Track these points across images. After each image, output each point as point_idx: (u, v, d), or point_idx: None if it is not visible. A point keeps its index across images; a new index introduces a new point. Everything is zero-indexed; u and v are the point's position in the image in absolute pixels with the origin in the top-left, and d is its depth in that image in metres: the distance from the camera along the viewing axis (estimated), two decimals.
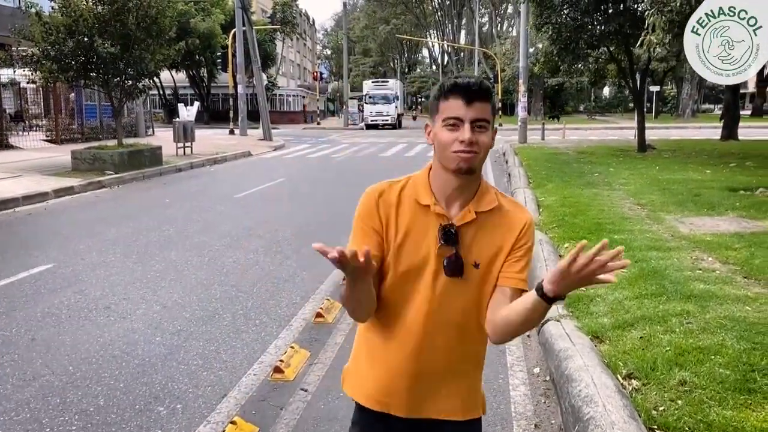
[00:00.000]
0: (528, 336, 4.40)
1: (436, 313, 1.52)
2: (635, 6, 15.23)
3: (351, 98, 49.14)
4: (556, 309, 4.03)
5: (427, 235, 1.50)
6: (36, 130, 21.92)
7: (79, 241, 7.51)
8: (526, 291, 1.49)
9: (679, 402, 2.72)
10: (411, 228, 1.51)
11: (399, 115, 43.66)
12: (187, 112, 19.39)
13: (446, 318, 1.53)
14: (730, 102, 22.86)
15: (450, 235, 1.48)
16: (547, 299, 1.33)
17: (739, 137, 22.04)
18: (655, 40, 11.38)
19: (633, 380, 2.95)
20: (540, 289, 1.33)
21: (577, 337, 3.45)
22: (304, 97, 61.32)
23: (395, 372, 1.57)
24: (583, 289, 4.55)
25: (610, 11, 15.55)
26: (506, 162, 16.34)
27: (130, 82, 14.97)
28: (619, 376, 2.99)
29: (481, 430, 1.70)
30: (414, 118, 54.95)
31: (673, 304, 3.94)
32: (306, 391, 3.61)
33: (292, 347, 4.14)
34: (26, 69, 14.56)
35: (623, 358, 3.19)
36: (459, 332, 1.55)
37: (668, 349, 3.25)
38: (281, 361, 3.89)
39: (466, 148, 1.43)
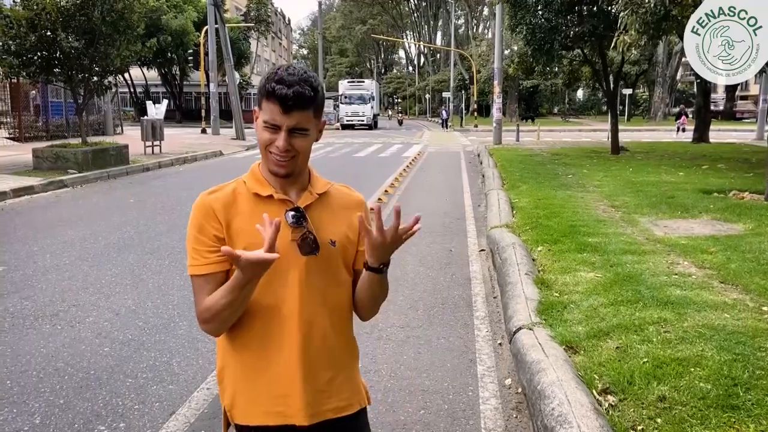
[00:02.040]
0: (500, 344, 4.21)
1: (306, 303, 1.49)
2: (609, 8, 15.23)
3: (327, 98, 48.66)
4: (529, 317, 3.84)
5: None
6: (1, 128, 21.21)
7: (34, 243, 7.13)
8: None
9: (659, 420, 2.53)
10: (255, 221, 1.43)
11: (375, 116, 43.49)
12: (156, 110, 18.88)
13: (317, 307, 1.51)
14: (702, 105, 23.10)
15: (299, 216, 1.47)
16: (375, 270, 1.46)
17: (711, 140, 22.29)
18: (628, 40, 11.33)
19: (609, 396, 2.76)
20: (365, 265, 1.47)
21: (551, 347, 3.26)
22: None
23: (284, 376, 1.50)
24: (557, 294, 4.37)
25: (585, 13, 15.53)
26: (480, 163, 16.23)
27: (95, 78, 14.48)
28: (594, 391, 2.79)
29: (367, 420, 1.69)
30: (400, 122, 51.31)
31: (649, 311, 3.77)
32: None
33: None
34: None
35: (599, 371, 3.00)
36: (332, 319, 1.54)
37: (646, 360, 3.07)
38: None
39: (281, 154, 1.43)
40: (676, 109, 42.34)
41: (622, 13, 10.00)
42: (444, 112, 44.62)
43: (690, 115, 32.50)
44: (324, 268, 1.51)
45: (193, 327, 4.57)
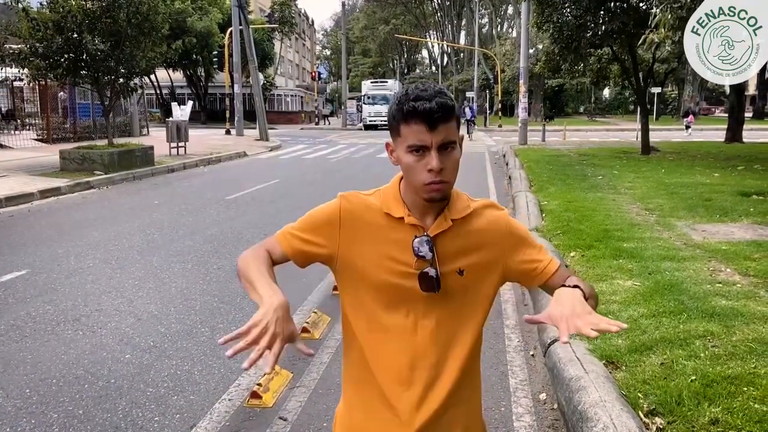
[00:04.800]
0: (532, 356, 4.02)
1: (425, 335, 1.37)
2: (639, 4, 14.86)
3: (350, 98, 48.74)
4: None
5: (402, 249, 1.36)
6: (29, 129, 21.50)
7: (59, 245, 7.12)
8: (559, 266, 1.48)
9: None
10: (381, 242, 1.37)
11: None
12: (181, 111, 18.96)
13: (437, 338, 1.38)
14: (735, 104, 22.48)
15: (425, 247, 1.35)
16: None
17: (744, 140, 21.68)
18: (656, 39, 11.03)
19: (656, 418, 2.56)
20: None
21: (590, 362, 3.06)
22: (302, 97, 60.90)
23: (393, 409, 1.39)
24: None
25: (614, 9, 15.17)
26: (506, 164, 15.96)
27: (121, 80, 14.58)
28: (640, 412, 2.60)
29: None
30: None
31: (694, 323, 3.55)
32: (285, 420, 3.23)
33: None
34: (14, 66, 14.18)
35: (643, 389, 2.81)
36: (452, 351, 1.39)
37: (694, 378, 2.87)
38: (259, 384, 3.50)
39: (436, 177, 1.31)
40: (715, 111, 41.85)
41: (655, 10, 9.71)
42: (468, 110, 33.58)
43: (697, 114, 33.51)
44: (447, 299, 1.38)
45: (216, 333, 4.46)
